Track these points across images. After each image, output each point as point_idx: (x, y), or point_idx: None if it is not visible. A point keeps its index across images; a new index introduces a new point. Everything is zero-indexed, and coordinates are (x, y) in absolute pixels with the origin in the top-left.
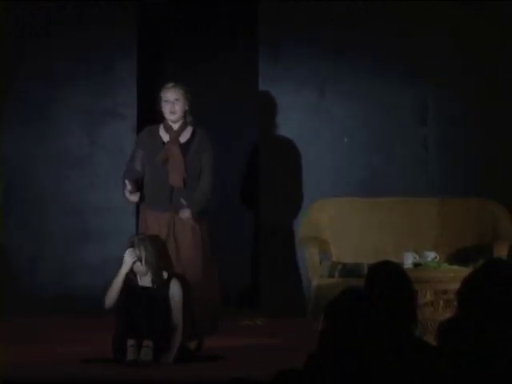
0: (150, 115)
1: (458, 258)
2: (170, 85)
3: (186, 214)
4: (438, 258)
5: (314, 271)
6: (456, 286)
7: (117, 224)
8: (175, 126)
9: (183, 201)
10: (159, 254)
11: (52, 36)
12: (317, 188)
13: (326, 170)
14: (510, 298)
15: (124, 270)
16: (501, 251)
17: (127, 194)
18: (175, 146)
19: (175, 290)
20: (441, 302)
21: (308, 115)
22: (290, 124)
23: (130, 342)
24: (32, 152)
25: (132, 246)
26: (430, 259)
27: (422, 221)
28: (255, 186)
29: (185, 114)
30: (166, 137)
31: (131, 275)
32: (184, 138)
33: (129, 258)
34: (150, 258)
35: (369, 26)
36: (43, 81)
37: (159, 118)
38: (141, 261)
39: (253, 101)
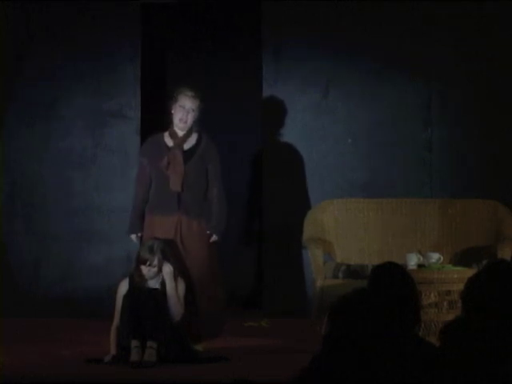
0: (153, 117)
1: (461, 259)
2: (191, 93)
3: (213, 239)
4: (442, 259)
5: (318, 272)
6: (460, 287)
7: (121, 225)
8: (180, 133)
9: (208, 232)
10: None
11: (57, 37)
12: (320, 189)
13: (329, 171)
14: None
15: (118, 305)
16: (505, 252)
17: (133, 237)
18: (178, 152)
19: (180, 288)
20: (445, 303)
21: (312, 116)
22: (293, 125)
23: (134, 343)
24: (36, 153)
25: (150, 250)
26: (433, 260)
27: (425, 222)
28: (259, 187)
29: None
30: (170, 143)
31: (138, 278)
32: (189, 144)
33: (121, 291)
34: (173, 261)
35: (372, 26)
36: (47, 82)
37: (167, 118)
38: (151, 265)
39: (256, 102)
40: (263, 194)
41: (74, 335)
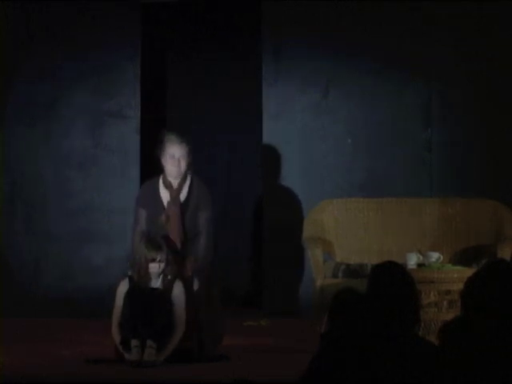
0: (153, 117)
1: (461, 258)
2: (178, 140)
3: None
4: (442, 258)
5: (318, 271)
6: (460, 286)
7: (120, 225)
8: (175, 183)
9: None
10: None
11: (57, 37)
12: (320, 189)
13: (329, 171)
14: None
15: (118, 302)
16: (505, 252)
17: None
18: (176, 208)
19: (178, 291)
20: (444, 303)
21: (312, 116)
22: (293, 124)
23: (134, 342)
24: (36, 153)
25: (157, 246)
26: (433, 260)
27: (425, 221)
28: (259, 187)
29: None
30: (166, 195)
31: (143, 277)
32: (183, 194)
33: (121, 290)
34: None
35: (372, 26)
36: (48, 82)
37: (159, 166)
38: (161, 260)
39: (256, 102)
40: (263, 193)
41: (74, 335)
